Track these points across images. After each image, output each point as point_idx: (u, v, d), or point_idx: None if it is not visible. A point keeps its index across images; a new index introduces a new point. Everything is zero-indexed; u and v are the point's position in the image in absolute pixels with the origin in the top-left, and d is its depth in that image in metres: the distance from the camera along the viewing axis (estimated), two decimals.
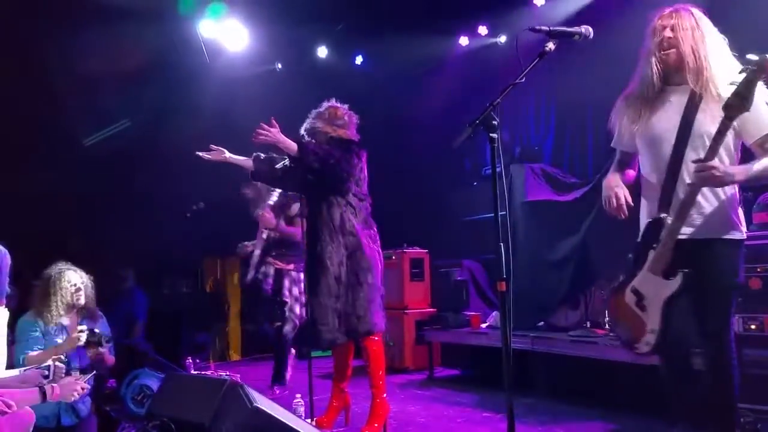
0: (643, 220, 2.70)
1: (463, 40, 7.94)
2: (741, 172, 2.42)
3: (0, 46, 5.99)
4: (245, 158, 4.21)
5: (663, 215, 2.53)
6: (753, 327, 3.32)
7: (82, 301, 3.56)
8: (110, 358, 3.53)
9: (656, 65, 2.59)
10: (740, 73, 2.25)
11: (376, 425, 3.93)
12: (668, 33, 2.54)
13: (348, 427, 4.16)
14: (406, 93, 8.28)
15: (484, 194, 6.79)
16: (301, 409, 3.91)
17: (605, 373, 4.39)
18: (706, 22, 2.58)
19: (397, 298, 6.47)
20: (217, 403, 2.73)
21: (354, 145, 3.99)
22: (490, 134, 2.38)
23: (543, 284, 5.46)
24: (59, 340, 3.41)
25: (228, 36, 7.40)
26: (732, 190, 2.55)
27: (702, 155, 2.42)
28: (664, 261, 2.51)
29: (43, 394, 2.56)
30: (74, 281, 3.54)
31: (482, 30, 7.71)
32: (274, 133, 3.71)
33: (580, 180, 5.75)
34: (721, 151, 2.42)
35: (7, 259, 2.19)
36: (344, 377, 4.17)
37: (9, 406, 2.28)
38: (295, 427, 2.66)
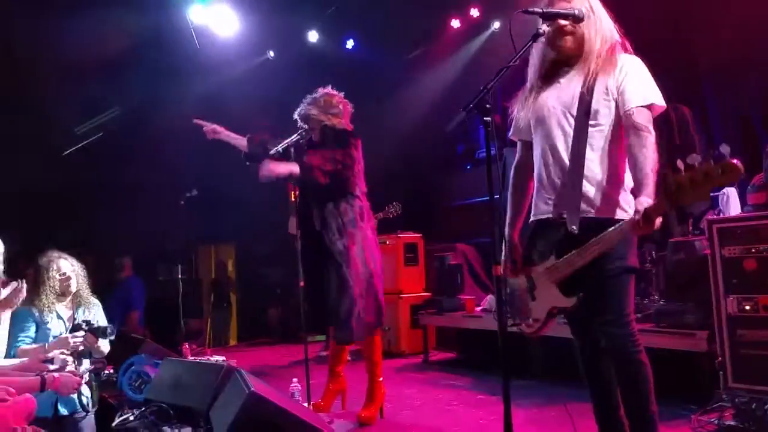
0: (539, 205, 2.62)
1: (455, 23, 7.90)
2: (650, 198, 2.27)
3: None
4: (240, 137, 4.22)
5: (572, 228, 2.41)
6: (747, 308, 3.33)
7: (73, 288, 3.54)
8: (105, 346, 3.51)
9: (549, 51, 2.56)
10: (703, 161, 2.18)
11: (372, 408, 3.97)
12: (564, 21, 2.48)
13: (345, 410, 4.18)
14: (398, 76, 8.24)
15: (478, 178, 6.84)
16: (298, 393, 3.93)
17: None
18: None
19: (392, 282, 6.48)
20: (214, 388, 2.73)
21: (350, 137, 3.98)
22: (484, 118, 2.37)
23: None
24: (53, 328, 3.40)
25: (218, 21, 7.34)
26: (617, 175, 2.48)
27: (596, 133, 2.44)
28: (561, 276, 2.47)
29: (43, 382, 2.56)
30: (64, 269, 3.51)
31: (474, 12, 7.68)
32: (272, 168, 3.73)
33: None
34: (603, 139, 2.45)
35: (0, 248, 2.17)
36: (340, 361, 4.19)
37: (9, 394, 2.28)
38: (292, 411, 2.67)
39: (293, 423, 2.61)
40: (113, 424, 3.04)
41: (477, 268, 6.88)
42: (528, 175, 2.75)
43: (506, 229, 2.74)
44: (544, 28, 2.43)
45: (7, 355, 3.14)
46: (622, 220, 2.37)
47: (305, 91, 4.12)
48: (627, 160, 2.43)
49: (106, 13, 6.30)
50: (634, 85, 2.43)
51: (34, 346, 3.27)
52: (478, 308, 6.02)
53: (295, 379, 4.05)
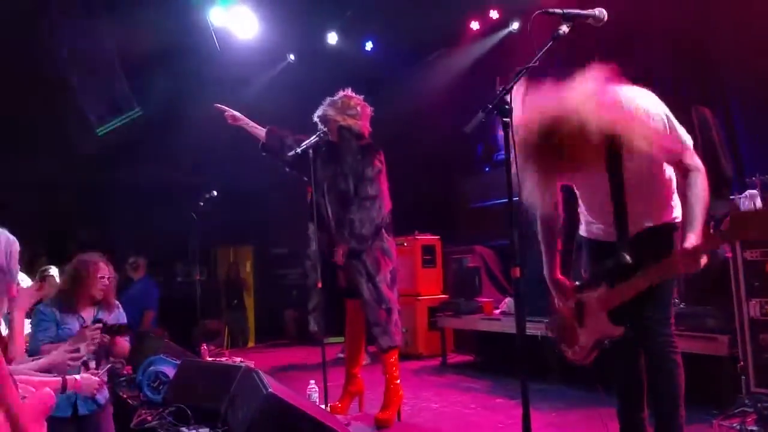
0: (590, 228, 2.64)
1: (474, 24, 7.88)
2: (697, 237, 2.27)
3: (12, 34, 6.01)
4: (259, 127, 4.30)
5: (625, 257, 2.40)
6: None
7: (100, 296, 3.53)
8: (125, 345, 3.53)
9: None
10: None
11: (390, 411, 3.96)
12: None
13: (362, 412, 4.18)
14: (417, 78, 8.23)
15: (497, 180, 6.80)
16: (315, 395, 3.93)
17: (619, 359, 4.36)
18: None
19: (410, 284, 6.46)
20: (232, 389, 2.75)
21: (373, 150, 4.00)
22: (504, 119, 2.34)
23: None
24: (73, 329, 3.40)
25: (238, 23, 7.38)
26: (666, 184, 2.52)
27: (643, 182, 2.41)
28: (612, 304, 2.47)
29: (64, 384, 2.56)
30: (106, 275, 3.49)
31: (494, 14, 7.64)
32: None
33: None
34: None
35: (17, 246, 2.18)
36: (357, 363, 4.19)
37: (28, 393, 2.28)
38: (309, 412, 2.67)
39: (310, 424, 2.62)
40: (132, 424, 3.06)
41: (495, 271, 6.84)
42: (555, 210, 2.68)
43: (546, 271, 2.70)
44: (564, 29, 2.39)
45: (30, 354, 3.17)
46: (677, 218, 2.47)
47: (324, 92, 4.14)
48: (681, 192, 2.45)
49: (128, 15, 6.37)
50: (680, 131, 2.41)
51: (54, 344, 3.29)
52: (497, 311, 5.99)
53: (312, 381, 4.06)
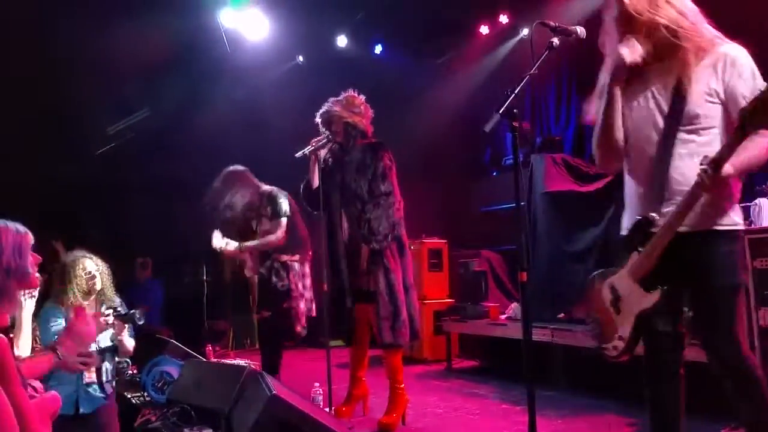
0: (628, 210, 2.46)
1: (484, 29, 7.88)
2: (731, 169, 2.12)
3: (26, 36, 6.05)
4: None
5: (652, 215, 2.27)
6: None
7: (98, 286, 3.56)
8: (129, 342, 3.52)
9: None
10: None
11: (394, 415, 3.94)
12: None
13: (366, 416, 4.16)
14: (426, 81, 8.23)
15: (504, 184, 6.79)
16: (320, 398, 3.92)
17: (625, 366, 4.32)
18: None
19: (415, 288, 6.43)
20: (236, 391, 2.75)
21: (382, 148, 3.99)
22: (512, 123, 2.35)
23: (563, 276, 5.41)
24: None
25: (249, 25, 7.39)
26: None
27: (696, 138, 2.24)
28: (644, 269, 2.30)
29: (57, 355, 2.44)
30: (89, 269, 3.52)
31: (503, 18, 7.64)
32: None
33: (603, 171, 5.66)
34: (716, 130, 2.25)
35: (29, 239, 2.15)
36: (362, 366, 4.18)
37: (37, 391, 2.26)
38: (313, 415, 2.66)
39: (314, 427, 2.61)
40: (135, 424, 3.06)
41: (502, 276, 6.82)
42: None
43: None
44: (556, 41, 2.43)
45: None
46: (728, 230, 2.23)
47: (333, 94, 4.14)
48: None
49: (139, 16, 6.39)
50: (749, 86, 2.21)
51: None
52: (503, 316, 5.97)
53: (317, 384, 4.05)
